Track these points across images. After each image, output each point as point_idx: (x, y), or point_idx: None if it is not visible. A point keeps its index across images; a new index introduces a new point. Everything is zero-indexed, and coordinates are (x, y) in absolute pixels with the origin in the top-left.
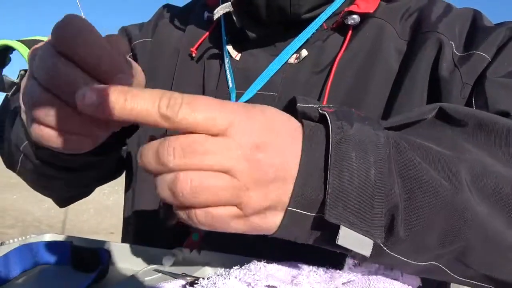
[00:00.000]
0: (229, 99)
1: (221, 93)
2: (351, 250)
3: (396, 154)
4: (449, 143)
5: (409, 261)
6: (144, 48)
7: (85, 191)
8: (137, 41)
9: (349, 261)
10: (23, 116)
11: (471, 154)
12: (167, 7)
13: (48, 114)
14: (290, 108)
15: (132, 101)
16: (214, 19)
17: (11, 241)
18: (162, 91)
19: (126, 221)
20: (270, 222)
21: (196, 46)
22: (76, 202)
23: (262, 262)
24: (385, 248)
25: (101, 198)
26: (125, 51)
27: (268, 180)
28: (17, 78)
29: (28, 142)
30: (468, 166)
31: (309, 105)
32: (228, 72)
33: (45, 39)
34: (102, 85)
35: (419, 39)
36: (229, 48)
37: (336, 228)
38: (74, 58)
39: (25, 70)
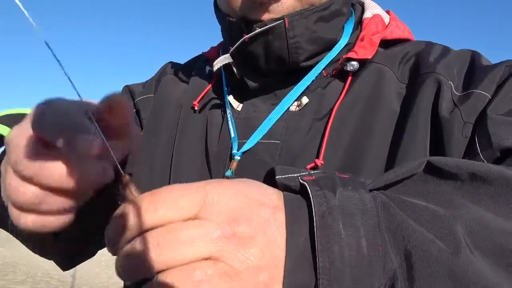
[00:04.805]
0: (232, 149)
1: (224, 144)
2: None
3: (386, 219)
4: (442, 199)
5: None
6: (147, 104)
7: (86, 252)
8: (140, 97)
9: None
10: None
11: (467, 210)
12: (170, 64)
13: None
14: (270, 179)
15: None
16: (214, 70)
17: None
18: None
19: None
20: None
21: (198, 99)
22: None
23: None
24: None
25: None
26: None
27: (256, 258)
28: None
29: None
30: (465, 224)
31: (288, 175)
32: (230, 122)
33: (23, 111)
34: None
35: (418, 81)
36: (230, 99)
37: None
38: (99, 119)
39: None
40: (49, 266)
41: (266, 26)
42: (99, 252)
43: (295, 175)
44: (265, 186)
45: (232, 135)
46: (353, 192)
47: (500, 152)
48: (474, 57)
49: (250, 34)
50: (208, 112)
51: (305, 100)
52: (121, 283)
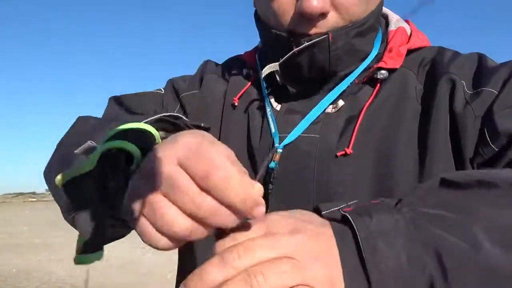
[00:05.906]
0: (273, 144)
1: (266, 138)
2: None
3: (417, 232)
4: (458, 206)
5: None
6: (192, 100)
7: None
8: (186, 93)
9: None
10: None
11: (481, 212)
12: (209, 62)
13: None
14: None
15: None
16: (262, 77)
17: None
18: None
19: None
20: None
21: (238, 96)
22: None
23: None
24: None
25: (122, 254)
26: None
27: (315, 252)
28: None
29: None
30: (481, 225)
31: (331, 209)
32: (270, 119)
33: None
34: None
35: (435, 80)
36: (271, 98)
37: None
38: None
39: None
40: (62, 272)
41: (313, 40)
42: (112, 255)
43: (336, 208)
44: (311, 213)
45: (273, 130)
46: (387, 214)
47: (507, 138)
48: (481, 58)
49: (299, 47)
50: (249, 110)
51: (341, 103)
52: (134, 284)
